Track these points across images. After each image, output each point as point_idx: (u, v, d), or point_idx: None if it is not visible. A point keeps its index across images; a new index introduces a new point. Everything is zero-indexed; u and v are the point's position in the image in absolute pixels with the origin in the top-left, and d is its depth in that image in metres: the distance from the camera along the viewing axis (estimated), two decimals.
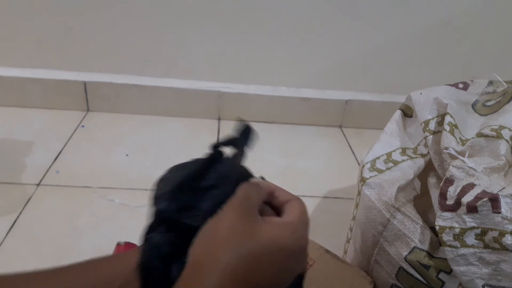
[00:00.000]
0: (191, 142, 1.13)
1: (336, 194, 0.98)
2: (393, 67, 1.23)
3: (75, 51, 1.15)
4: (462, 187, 0.48)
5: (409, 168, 0.60)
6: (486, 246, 0.46)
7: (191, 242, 0.30)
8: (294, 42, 1.17)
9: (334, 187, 1.00)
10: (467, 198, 0.47)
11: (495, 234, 0.45)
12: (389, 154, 0.63)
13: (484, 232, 0.46)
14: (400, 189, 0.57)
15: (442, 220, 0.49)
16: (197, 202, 0.32)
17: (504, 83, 0.65)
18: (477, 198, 0.46)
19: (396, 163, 0.61)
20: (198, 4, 1.09)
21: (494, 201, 0.45)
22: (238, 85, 1.22)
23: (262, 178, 0.37)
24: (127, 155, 1.04)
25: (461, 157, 0.53)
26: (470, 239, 0.47)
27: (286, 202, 0.33)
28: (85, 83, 1.16)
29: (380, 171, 0.60)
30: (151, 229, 0.33)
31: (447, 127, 0.57)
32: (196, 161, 0.36)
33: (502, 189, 0.47)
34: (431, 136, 0.61)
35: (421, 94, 0.65)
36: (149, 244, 0.32)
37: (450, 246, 0.48)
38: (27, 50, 1.14)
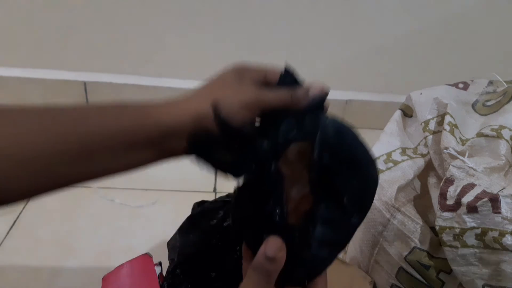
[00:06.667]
0: None
1: None
2: (393, 67, 1.23)
3: (75, 51, 1.15)
4: (462, 187, 0.48)
5: (409, 168, 0.60)
6: (486, 246, 0.46)
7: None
8: (294, 42, 1.17)
9: None
10: (467, 198, 0.47)
11: (495, 234, 0.45)
12: (389, 154, 0.63)
13: (484, 232, 0.46)
14: (400, 189, 0.57)
15: (442, 220, 0.48)
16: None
17: (504, 83, 0.65)
18: (477, 198, 0.46)
19: (396, 163, 0.61)
20: (198, 4, 1.09)
21: (494, 201, 0.45)
22: None
23: None
24: None
25: (461, 157, 0.53)
26: (470, 239, 0.47)
27: None
28: (85, 83, 1.16)
29: (380, 171, 0.60)
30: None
31: (447, 127, 0.57)
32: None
33: (502, 189, 0.47)
34: (431, 136, 0.61)
35: (421, 94, 0.65)
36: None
37: (450, 246, 0.48)
38: (27, 50, 1.14)
